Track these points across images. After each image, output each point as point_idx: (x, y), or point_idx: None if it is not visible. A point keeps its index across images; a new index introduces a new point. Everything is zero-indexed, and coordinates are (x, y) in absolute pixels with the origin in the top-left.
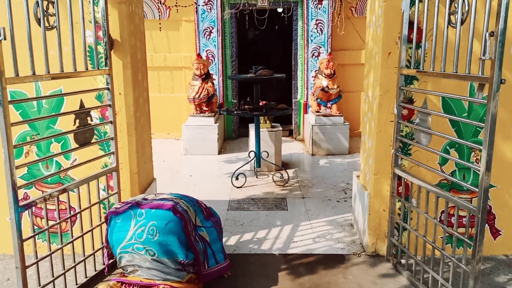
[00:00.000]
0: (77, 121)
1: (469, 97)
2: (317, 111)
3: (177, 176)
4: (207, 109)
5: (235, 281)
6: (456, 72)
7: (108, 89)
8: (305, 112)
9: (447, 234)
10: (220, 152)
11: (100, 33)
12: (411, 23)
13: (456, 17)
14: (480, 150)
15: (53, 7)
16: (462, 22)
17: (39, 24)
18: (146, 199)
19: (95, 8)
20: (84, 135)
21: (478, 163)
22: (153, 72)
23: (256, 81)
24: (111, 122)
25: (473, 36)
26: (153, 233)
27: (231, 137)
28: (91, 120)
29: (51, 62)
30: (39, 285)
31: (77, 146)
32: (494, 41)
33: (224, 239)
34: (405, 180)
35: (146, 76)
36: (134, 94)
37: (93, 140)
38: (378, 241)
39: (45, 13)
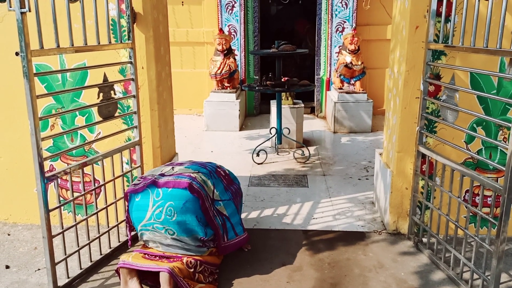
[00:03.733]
0: (101, 94)
1: (499, 73)
2: (340, 88)
3: (199, 152)
4: (228, 85)
5: (255, 255)
6: (487, 47)
7: (131, 63)
8: (328, 89)
9: (470, 214)
10: (241, 129)
11: (123, 6)
12: None
13: None
14: (509, 128)
15: None
16: None
17: None
18: (163, 175)
19: None
20: (108, 109)
21: (505, 141)
22: (175, 47)
23: (278, 57)
24: (134, 96)
25: (506, 9)
26: (171, 213)
27: (253, 113)
28: (115, 94)
29: (75, 36)
30: (65, 254)
31: (101, 119)
32: None
33: (244, 214)
34: (429, 158)
35: (168, 50)
36: (157, 68)
37: (116, 114)
38: (399, 219)
39: None
